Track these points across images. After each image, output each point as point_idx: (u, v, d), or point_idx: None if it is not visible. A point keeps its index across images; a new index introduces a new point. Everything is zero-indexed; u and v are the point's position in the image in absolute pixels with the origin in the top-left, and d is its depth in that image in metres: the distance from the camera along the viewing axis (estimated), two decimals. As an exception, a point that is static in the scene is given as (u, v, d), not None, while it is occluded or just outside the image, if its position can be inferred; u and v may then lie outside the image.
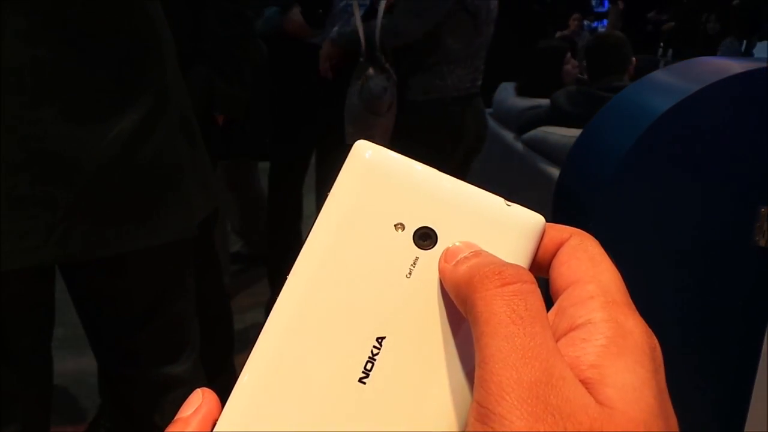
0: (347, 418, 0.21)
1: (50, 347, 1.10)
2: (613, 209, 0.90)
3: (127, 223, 0.98)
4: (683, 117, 0.86)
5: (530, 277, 0.21)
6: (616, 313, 0.21)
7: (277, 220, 2.47)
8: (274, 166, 2.42)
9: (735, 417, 1.00)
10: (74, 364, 2.11)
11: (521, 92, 3.08)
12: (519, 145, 2.66)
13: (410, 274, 0.23)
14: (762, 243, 0.91)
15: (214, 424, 0.22)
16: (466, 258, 0.22)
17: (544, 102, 2.66)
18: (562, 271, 0.23)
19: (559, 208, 1.00)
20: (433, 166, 0.24)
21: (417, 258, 0.23)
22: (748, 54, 5.18)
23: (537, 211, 0.24)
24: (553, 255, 0.24)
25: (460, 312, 0.22)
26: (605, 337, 0.20)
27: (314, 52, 1.97)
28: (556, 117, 2.48)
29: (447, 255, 0.23)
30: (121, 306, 1.09)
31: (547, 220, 0.24)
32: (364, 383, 0.22)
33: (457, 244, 0.23)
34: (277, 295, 0.23)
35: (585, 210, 0.92)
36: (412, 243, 0.23)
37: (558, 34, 5.45)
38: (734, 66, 0.89)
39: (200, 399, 0.23)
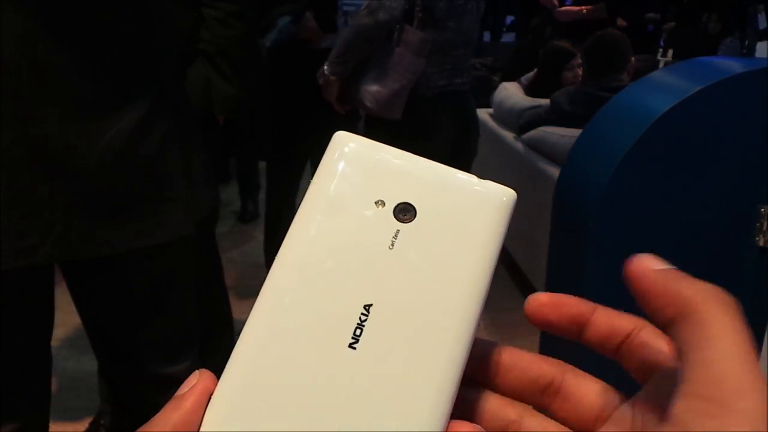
0: (339, 381, 0.22)
1: (50, 347, 1.11)
2: (613, 209, 0.90)
3: (126, 221, 0.98)
4: (683, 117, 0.86)
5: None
6: None
7: (274, 222, 2.49)
8: (273, 168, 2.44)
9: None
10: (74, 364, 2.11)
11: (528, 92, 3.08)
12: (519, 145, 2.66)
13: (392, 245, 0.24)
14: (762, 243, 0.91)
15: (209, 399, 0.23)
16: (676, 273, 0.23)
17: (544, 102, 2.66)
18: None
19: (559, 208, 1.00)
20: None
21: (398, 231, 0.24)
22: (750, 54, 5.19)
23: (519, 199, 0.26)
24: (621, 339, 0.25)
25: (441, 279, 0.24)
26: None
27: (322, 59, 1.97)
28: (556, 117, 2.49)
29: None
30: (120, 305, 1.09)
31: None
32: (354, 348, 0.23)
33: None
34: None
35: (585, 210, 0.92)
36: (393, 217, 0.24)
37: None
38: (734, 66, 0.89)
39: (196, 377, 0.23)
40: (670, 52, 6.02)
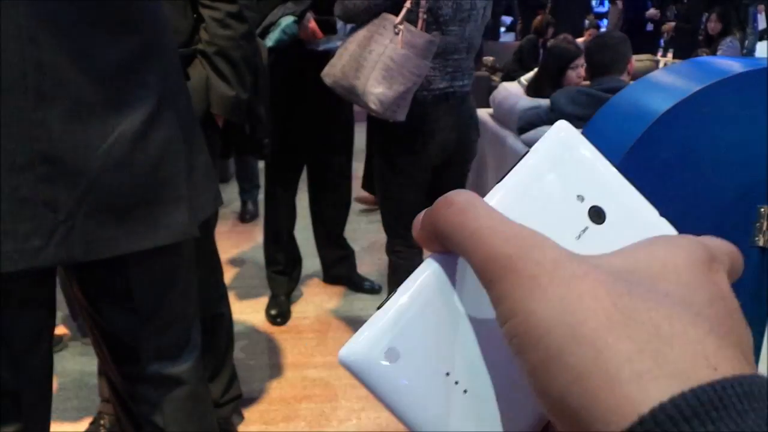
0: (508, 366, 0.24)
1: (51, 347, 1.11)
2: (613, 209, 0.90)
3: (129, 223, 0.98)
4: (683, 117, 0.86)
5: (469, 193, 0.24)
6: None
7: (274, 222, 2.49)
8: (272, 168, 2.44)
9: (735, 417, 1.00)
10: (74, 364, 2.11)
11: (530, 91, 3.07)
12: (519, 145, 2.66)
13: (579, 237, 0.27)
14: (762, 243, 0.91)
15: None
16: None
17: (544, 102, 2.66)
18: None
19: (559, 208, 1.00)
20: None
21: (587, 227, 0.27)
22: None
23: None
24: None
25: None
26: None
27: (322, 60, 1.97)
28: (556, 117, 2.48)
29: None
30: (122, 305, 1.09)
31: None
32: None
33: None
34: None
35: (585, 210, 0.92)
36: (587, 214, 0.27)
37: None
38: (734, 66, 0.89)
39: None
40: (670, 52, 6.02)
